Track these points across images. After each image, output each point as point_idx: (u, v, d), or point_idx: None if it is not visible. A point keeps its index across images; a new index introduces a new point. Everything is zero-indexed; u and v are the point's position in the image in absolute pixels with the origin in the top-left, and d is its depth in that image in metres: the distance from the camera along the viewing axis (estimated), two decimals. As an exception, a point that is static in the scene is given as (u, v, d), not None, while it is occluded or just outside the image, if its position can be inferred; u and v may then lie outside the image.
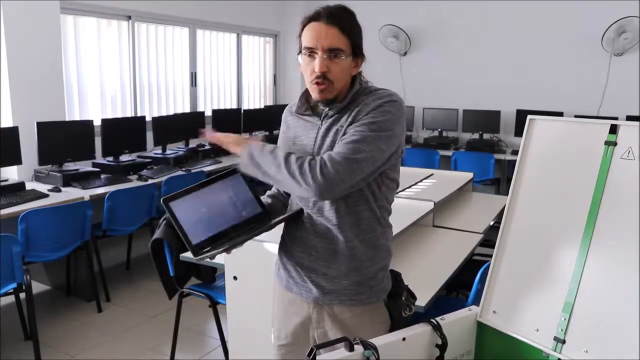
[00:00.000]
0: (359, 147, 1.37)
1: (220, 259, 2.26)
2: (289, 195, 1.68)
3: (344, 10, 1.48)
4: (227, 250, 1.44)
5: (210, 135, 1.59)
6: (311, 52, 1.45)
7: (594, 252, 1.37)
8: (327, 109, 1.51)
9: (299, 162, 1.39)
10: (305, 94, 1.58)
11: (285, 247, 1.62)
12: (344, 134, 1.44)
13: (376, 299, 1.56)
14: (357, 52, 1.50)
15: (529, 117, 1.56)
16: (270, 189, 1.76)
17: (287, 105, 1.71)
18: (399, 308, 1.58)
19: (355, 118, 1.45)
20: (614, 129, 1.40)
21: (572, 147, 1.47)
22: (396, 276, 1.64)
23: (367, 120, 1.41)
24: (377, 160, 1.41)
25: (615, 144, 1.38)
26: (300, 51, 1.49)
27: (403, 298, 1.60)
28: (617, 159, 1.37)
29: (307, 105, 1.58)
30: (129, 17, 4.90)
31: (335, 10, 1.45)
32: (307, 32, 1.46)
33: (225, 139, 1.54)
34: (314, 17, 1.46)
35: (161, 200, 1.40)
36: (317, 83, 1.45)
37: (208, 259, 1.44)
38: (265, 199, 1.68)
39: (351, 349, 1.32)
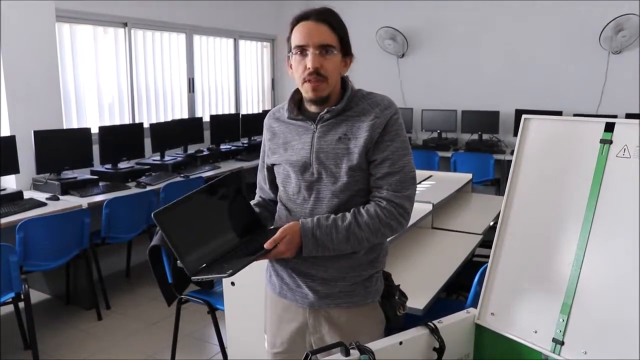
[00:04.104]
0: (409, 175, 1.50)
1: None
2: (276, 203, 1.67)
3: (330, 9, 1.50)
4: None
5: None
6: (302, 50, 1.45)
7: (591, 252, 1.36)
8: (323, 112, 1.50)
9: (376, 220, 1.45)
10: (294, 99, 1.57)
11: None
12: (370, 150, 1.47)
13: (371, 300, 1.57)
14: (346, 50, 1.51)
15: (523, 116, 1.55)
16: (253, 199, 1.75)
17: None
18: (394, 307, 1.60)
19: (372, 131, 1.46)
20: (609, 127, 1.38)
21: (567, 146, 1.46)
22: (387, 277, 1.64)
23: (398, 144, 1.48)
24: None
25: (610, 142, 1.37)
26: (290, 52, 1.49)
27: (396, 297, 1.61)
28: (612, 157, 1.36)
29: (298, 110, 1.56)
30: (125, 24, 4.90)
31: (322, 10, 1.48)
32: (298, 31, 1.47)
33: (281, 252, 1.43)
34: (303, 17, 1.47)
35: (152, 215, 1.36)
36: (310, 81, 1.45)
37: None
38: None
39: (347, 353, 1.30)
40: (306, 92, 1.49)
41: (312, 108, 1.53)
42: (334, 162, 1.48)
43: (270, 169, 1.64)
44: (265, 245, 1.39)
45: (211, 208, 1.51)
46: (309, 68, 1.44)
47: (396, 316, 1.60)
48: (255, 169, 1.79)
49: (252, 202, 1.70)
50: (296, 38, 1.46)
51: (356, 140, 1.47)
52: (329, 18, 1.47)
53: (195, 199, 1.48)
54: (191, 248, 1.40)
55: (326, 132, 1.50)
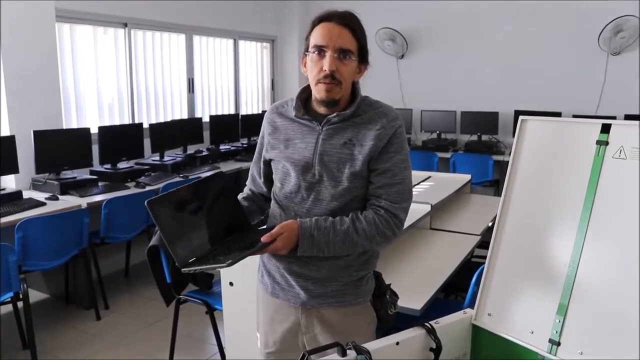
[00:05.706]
0: (408, 187, 1.52)
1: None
2: (268, 200, 1.67)
3: (354, 14, 1.50)
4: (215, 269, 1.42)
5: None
6: (321, 50, 1.44)
7: (587, 253, 1.36)
8: (332, 115, 1.49)
9: (373, 227, 1.46)
10: (300, 97, 1.56)
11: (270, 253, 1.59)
12: (373, 159, 1.48)
13: (363, 299, 1.58)
14: (363, 57, 1.51)
15: (520, 117, 1.56)
16: (242, 192, 1.75)
17: None
18: (385, 307, 1.61)
19: (379, 140, 1.47)
20: (605, 128, 1.39)
21: (564, 147, 1.47)
22: (378, 276, 1.65)
23: (401, 157, 1.50)
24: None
25: (607, 143, 1.37)
26: (307, 51, 1.49)
27: (387, 296, 1.62)
28: (608, 158, 1.36)
29: (304, 110, 1.55)
30: (125, 25, 4.90)
31: (347, 14, 1.48)
32: (319, 31, 1.46)
33: (277, 248, 1.44)
34: (326, 18, 1.46)
35: (145, 203, 1.37)
36: (324, 83, 1.44)
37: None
38: (240, 201, 1.66)
39: (344, 354, 1.31)
40: (318, 92, 1.48)
41: (321, 109, 1.52)
42: (336, 166, 1.48)
43: (267, 164, 1.64)
44: (263, 239, 1.40)
45: (202, 203, 1.51)
46: (325, 70, 1.43)
47: (387, 315, 1.61)
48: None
49: (241, 195, 1.70)
50: (316, 37, 1.45)
51: (361, 147, 1.48)
52: (351, 23, 1.46)
53: (188, 193, 1.48)
54: (182, 240, 1.41)
55: (332, 135, 1.50)
